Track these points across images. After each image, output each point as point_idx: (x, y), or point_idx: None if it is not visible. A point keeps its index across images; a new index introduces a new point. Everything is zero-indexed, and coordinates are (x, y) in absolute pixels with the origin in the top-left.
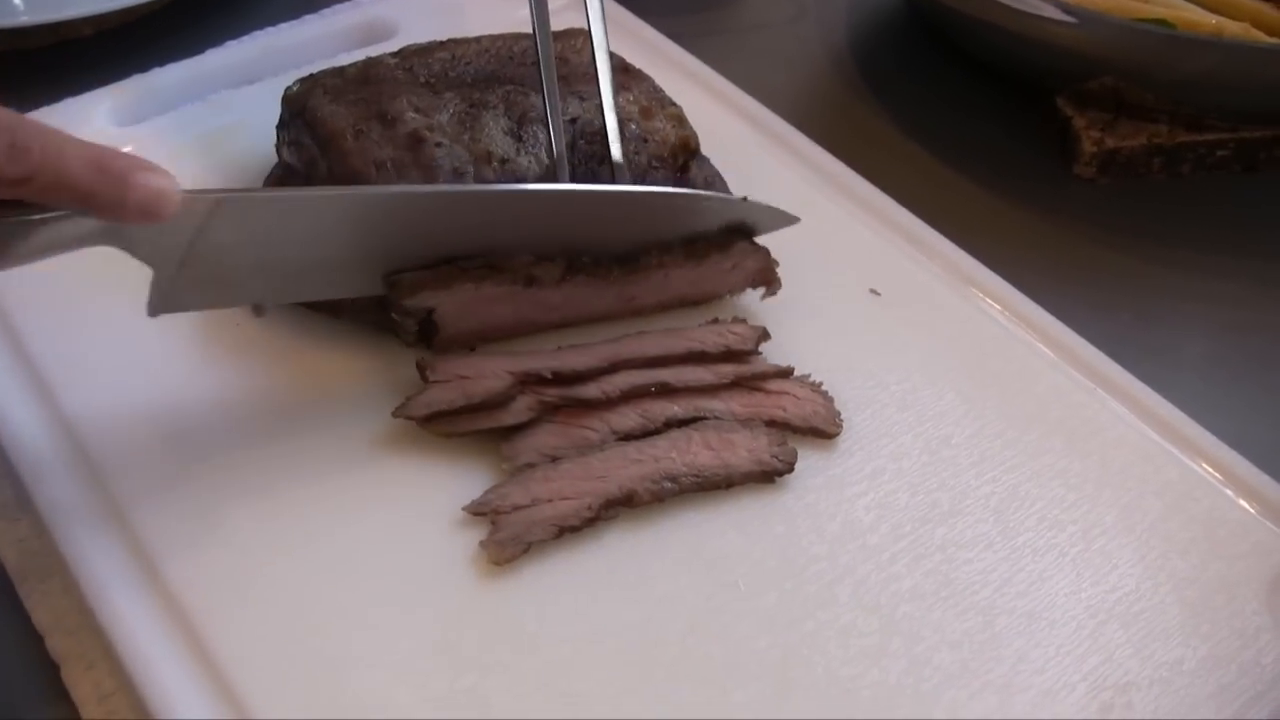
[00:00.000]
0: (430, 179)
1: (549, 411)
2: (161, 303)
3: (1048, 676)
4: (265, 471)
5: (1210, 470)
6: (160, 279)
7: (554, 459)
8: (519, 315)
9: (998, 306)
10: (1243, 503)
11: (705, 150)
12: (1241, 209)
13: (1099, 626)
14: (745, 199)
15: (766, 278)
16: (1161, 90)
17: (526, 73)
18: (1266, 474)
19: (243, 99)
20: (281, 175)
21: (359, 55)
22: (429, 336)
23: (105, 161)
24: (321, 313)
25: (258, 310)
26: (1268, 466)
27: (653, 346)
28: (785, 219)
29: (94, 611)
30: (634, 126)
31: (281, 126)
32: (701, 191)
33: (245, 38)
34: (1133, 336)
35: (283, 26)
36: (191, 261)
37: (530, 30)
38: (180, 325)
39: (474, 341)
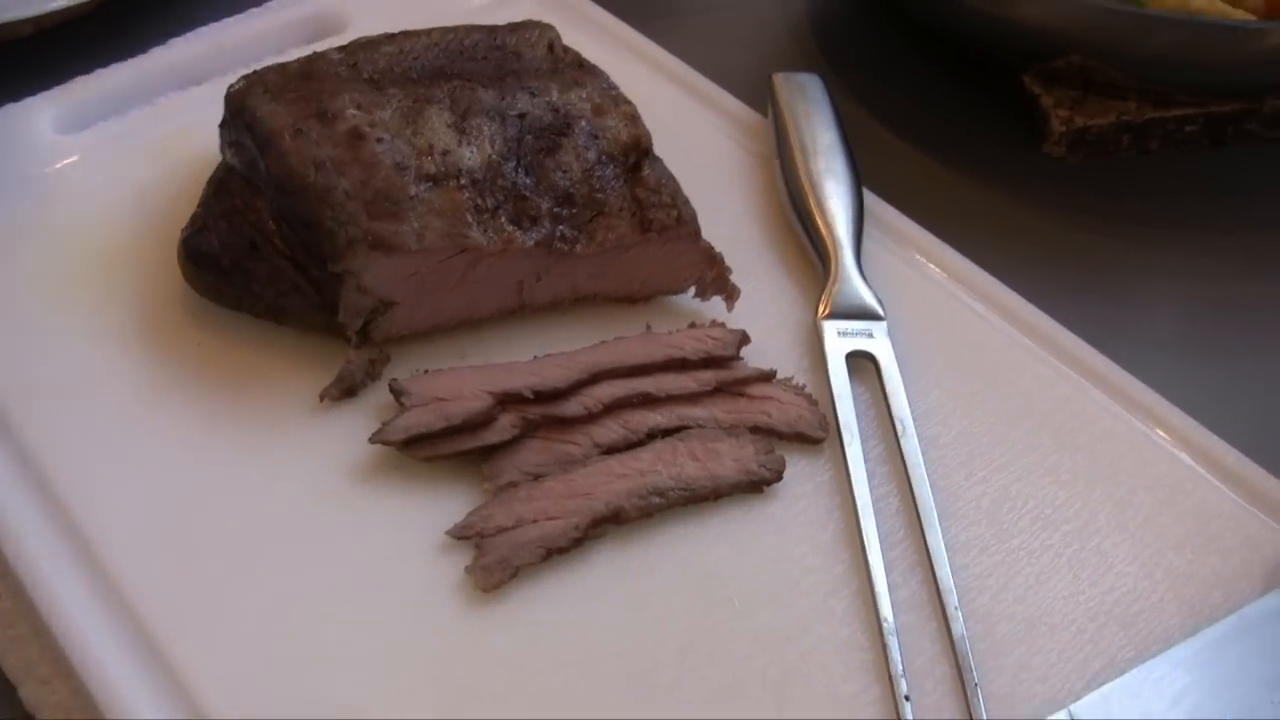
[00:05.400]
0: (370, 175)
1: (530, 428)
2: None
3: (1051, 685)
4: (239, 502)
5: (1197, 461)
6: None
7: (536, 476)
8: (469, 296)
9: (975, 296)
10: (1231, 493)
11: (668, 140)
12: (1210, 184)
13: (1099, 630)
14: None
15: (719, 285)
16: (1130, 68)
17: (476, 67)
18: (1246, 449)
19: (191, 101)
20: (223, 176)
21: (310, 50)
22: (369, 328)
23: None
24: (264, 319)
25: None
26: (1244, 442)
27: (632, 354)
28: None
29: (65, 654)
30: (585, 124)
31: (223, 126)
32: None
33: (190, 34)
34: (1104, 315)
35: (228, 21)
36: None
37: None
38: (135, 346)
39: (424, 328)
